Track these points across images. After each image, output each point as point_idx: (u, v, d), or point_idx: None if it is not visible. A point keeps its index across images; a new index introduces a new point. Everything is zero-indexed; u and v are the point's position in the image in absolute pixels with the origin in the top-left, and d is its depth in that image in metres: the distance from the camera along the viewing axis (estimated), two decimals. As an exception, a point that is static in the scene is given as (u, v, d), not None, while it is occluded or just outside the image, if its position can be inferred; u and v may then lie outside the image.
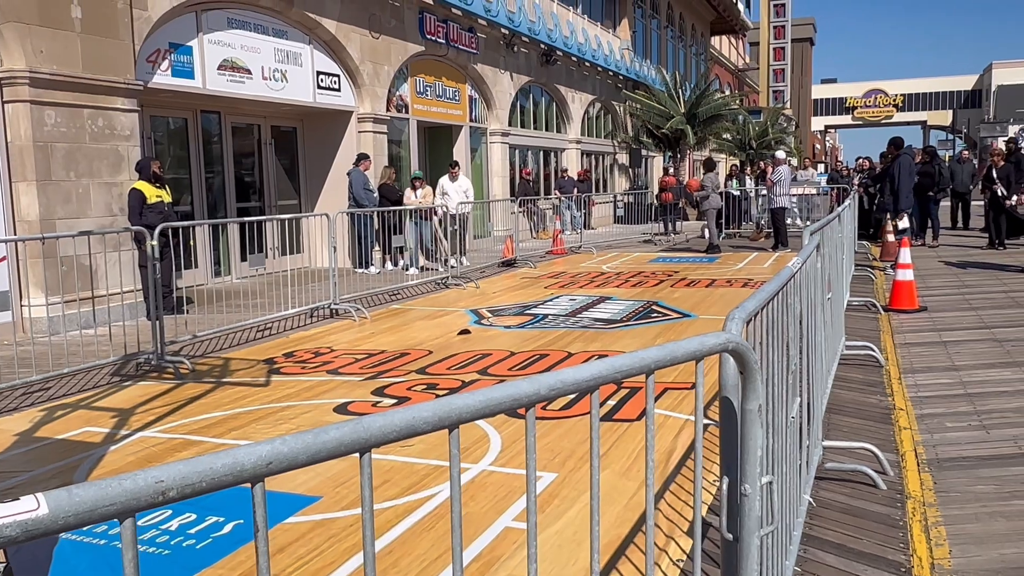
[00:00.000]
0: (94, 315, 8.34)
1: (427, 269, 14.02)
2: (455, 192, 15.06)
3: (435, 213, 14.01)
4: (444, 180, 15.38)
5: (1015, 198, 11.53)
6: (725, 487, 1.63)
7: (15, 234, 8.69)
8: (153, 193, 9.43)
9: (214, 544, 3.67)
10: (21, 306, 8.80)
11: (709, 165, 17.48)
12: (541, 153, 23.81)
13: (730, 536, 1.63)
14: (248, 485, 0.98)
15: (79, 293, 8.78)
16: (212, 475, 0.89)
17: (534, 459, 1.33)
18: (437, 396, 6.02)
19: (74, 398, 6.37)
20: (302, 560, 3.48)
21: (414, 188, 14.51)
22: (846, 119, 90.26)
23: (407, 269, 13.73)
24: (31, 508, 0.78)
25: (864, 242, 16.13)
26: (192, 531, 3.80)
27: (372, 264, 13.88)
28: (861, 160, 20.99)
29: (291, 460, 0.96)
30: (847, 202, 8.87)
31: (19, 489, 4.43)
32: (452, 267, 13.22)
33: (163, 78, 10.99)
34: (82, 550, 3.62)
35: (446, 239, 13.97)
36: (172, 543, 3.68)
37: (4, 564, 1.79)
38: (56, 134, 8.99)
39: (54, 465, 4.81)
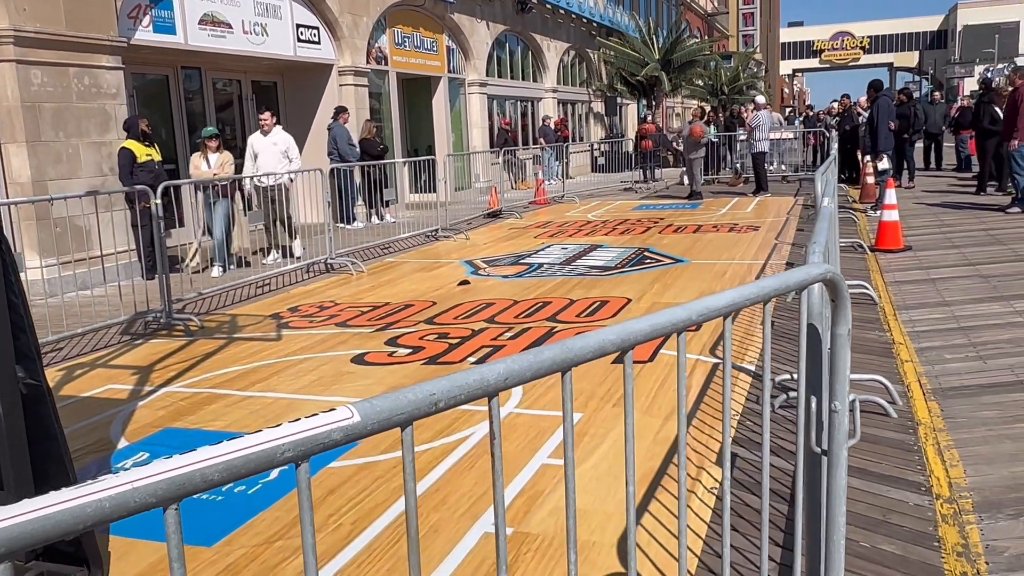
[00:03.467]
0: (91, 275, 8.34)
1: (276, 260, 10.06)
2: (268, 152, 10.39)
3: (239, 189, 10.26)
4: (254, 137, 10.66)
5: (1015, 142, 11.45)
6: (813, 406, 1.79)
7: (7, 196, 8.63)
8: (143, 152, 9.38)
9: (264, 490, 3.81)
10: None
11: (702, 115, 17.91)
12: (519, 103, 23.75)
13: (818, 450, 1.80)
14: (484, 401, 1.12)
15: (74, 254, 8.75)
16: (467, 388, 1.03)
17: (684, 378, 1.48)
18: (450, 345, 6.17)
19: (88, 357, 6.44)
20: (354, 501, 3.64)
21: (205, 153, 9.89)
22: (813, 62, 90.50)
23: (209, 269, 9.77)
24: (347, 416, 0.90)
25: (842, 184, 16.39)
26: (240, 478, 3.94)
27: (356, 219, 13.88)
28: (836, 104, 21.17)
29: (520, 376, 1.10)
30: (835, 146, 9.06)
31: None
32: (264, 263, 9.90)
33: (145, 34, 10.84)
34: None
35: (247, 224, 10.48)
36: (224, 490, 3.82)
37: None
38: (43, 94, 8.88)
39: (88, 421, 4.90)
